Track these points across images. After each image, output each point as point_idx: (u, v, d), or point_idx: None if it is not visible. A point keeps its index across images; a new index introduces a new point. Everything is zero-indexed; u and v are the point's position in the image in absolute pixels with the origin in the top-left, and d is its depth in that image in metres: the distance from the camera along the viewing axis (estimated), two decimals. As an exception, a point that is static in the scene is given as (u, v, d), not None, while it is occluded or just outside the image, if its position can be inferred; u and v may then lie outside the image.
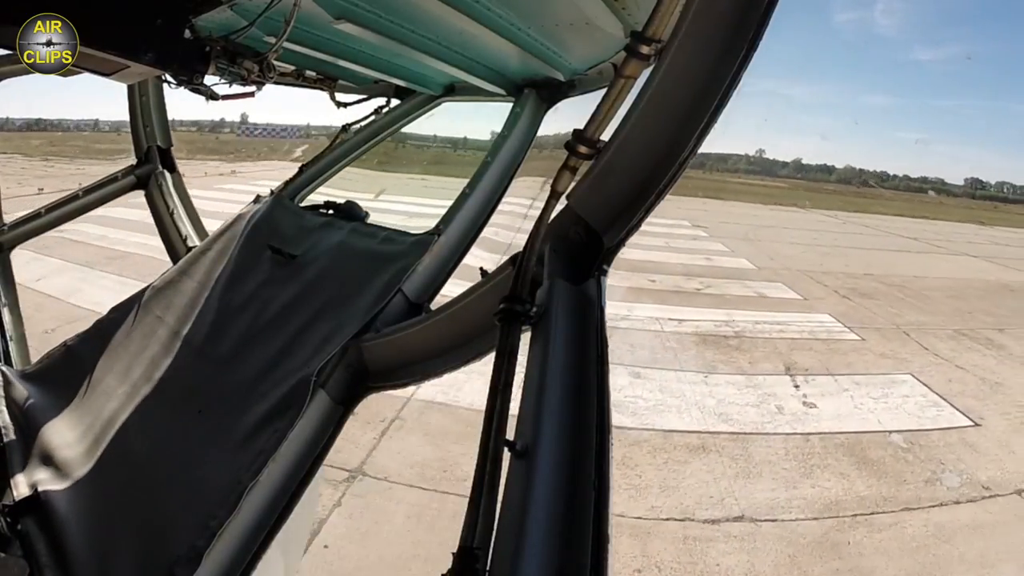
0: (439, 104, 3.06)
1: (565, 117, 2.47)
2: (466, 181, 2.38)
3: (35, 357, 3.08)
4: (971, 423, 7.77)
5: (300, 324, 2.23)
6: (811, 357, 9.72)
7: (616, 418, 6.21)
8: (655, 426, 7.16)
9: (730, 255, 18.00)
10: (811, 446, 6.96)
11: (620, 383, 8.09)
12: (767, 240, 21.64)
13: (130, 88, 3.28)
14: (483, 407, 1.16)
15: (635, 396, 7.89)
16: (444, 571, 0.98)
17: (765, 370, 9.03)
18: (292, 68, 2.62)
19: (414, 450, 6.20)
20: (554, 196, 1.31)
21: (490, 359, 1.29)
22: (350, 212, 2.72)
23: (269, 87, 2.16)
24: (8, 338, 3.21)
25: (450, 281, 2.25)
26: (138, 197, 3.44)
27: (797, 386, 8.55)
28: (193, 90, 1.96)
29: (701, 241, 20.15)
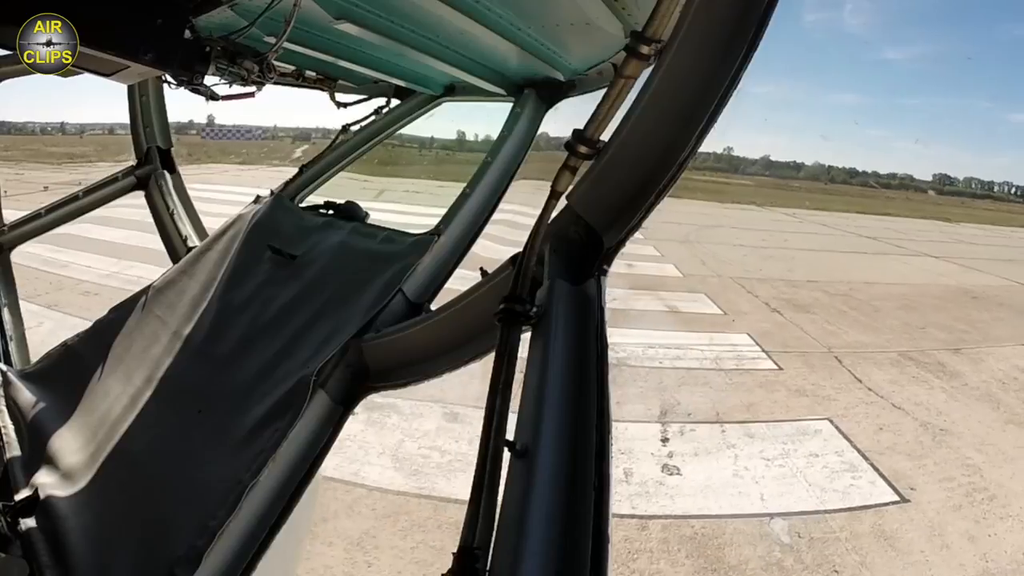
0: (439, 104, 3.06)
1: (565, 117, 2.47)
2: (458, 185, 2.38)
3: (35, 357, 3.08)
4: (896, 498, 5.51)
5: (300, 324, 2.23)
6: (703, 395, 7.51)
7: (389, 479, 5.07)
8: (436, 491, 5.07)
9: (658, 260, 15.95)
10: (643, 539, 4.77)
11: (426, 427, 6.16)
12: (709, 242, 19.71)
13: (130, 88, 3.28)
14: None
15: (432, 448, 5.77)
16: (444, 571, 0.99)
17: (632, 415, 6.81)
18: (292, 68, 2.62)
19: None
20: (554, 196, 1.31)
21: (490, 359, 1.29)
22: (350, 212, 2.72)
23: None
24: (8, 338, 3.21)
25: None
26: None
27: (666, 439, 6.37)
28: (193, 90, 1.96)
29: (631, 245, 18.21)
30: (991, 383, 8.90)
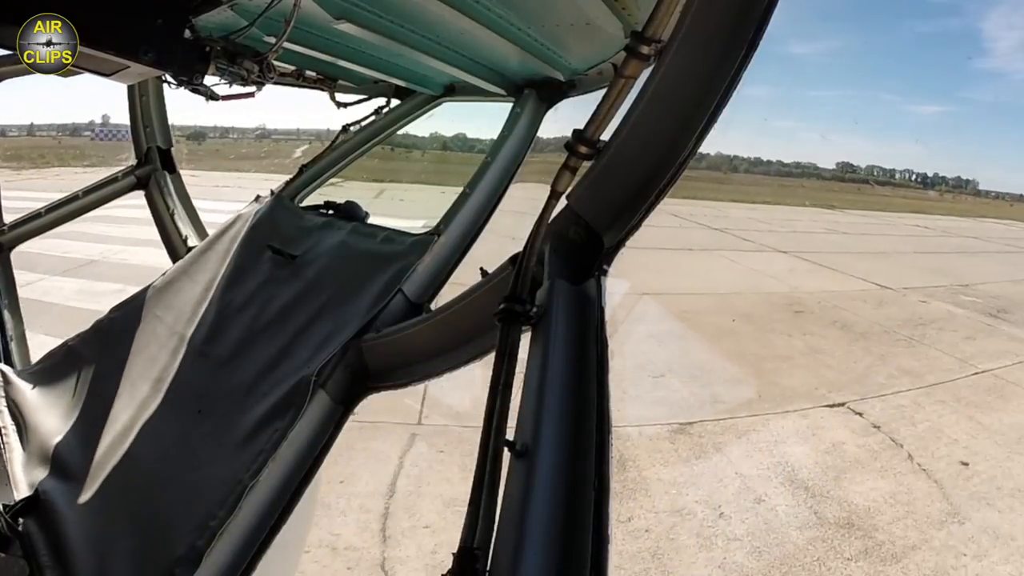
0: (439, 104, 3.06)
1: (565, 117, 2.47)
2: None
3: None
4: None
5: (300, 324, 2.23)
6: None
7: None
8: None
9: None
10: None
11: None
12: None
13: (130, 88, 3.28)
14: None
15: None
16: (444, 571, 0.99)
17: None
18: (292, 68, 2.62)
19: None
20: (554, 196, 1.31)
21: (490, 359, 1.29)
22: (350, 212, 2.72)
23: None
24: (8, 338, 3.21)
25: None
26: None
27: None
28: (193, 90, 1.97)
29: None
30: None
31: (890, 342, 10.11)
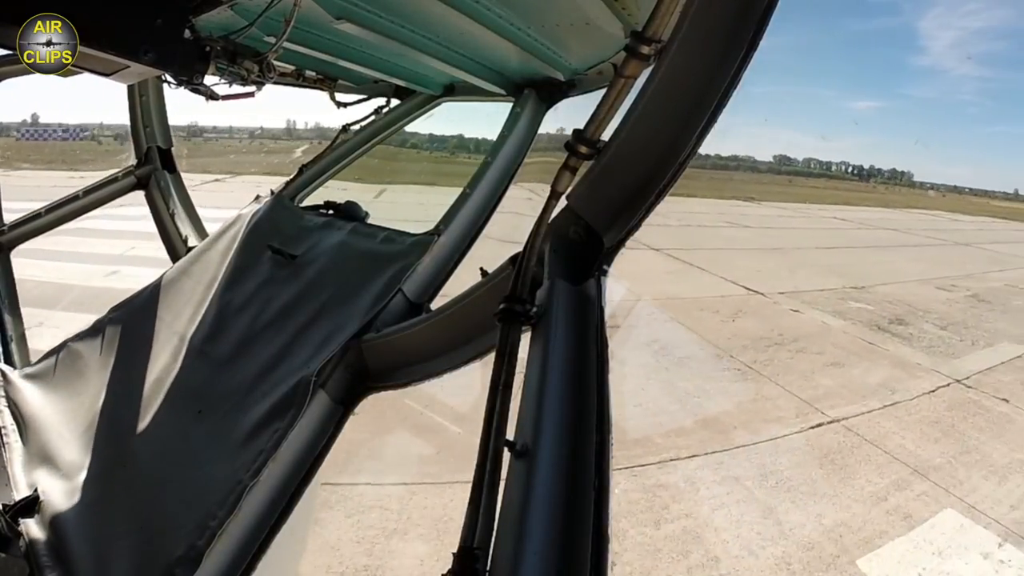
0: (439, 104, 3.06)
1: (565, 117, 2.47)
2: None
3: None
4: None
5: (300, 324, 2.23)
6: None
7: None
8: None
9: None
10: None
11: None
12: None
13: (130, 88, 3.28)
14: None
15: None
16: (444, 571, 0.99)
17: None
18: (292, 68, 2.62)
19: None
20: (554, 196, 1.30)
21: (490, 359, 1.29)
22: (350, 212, 2.72)
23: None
24: (8, 338, 3.21)
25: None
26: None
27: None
28: (193, 90, 1.96)
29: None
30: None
31: (711, 374, 7.41)
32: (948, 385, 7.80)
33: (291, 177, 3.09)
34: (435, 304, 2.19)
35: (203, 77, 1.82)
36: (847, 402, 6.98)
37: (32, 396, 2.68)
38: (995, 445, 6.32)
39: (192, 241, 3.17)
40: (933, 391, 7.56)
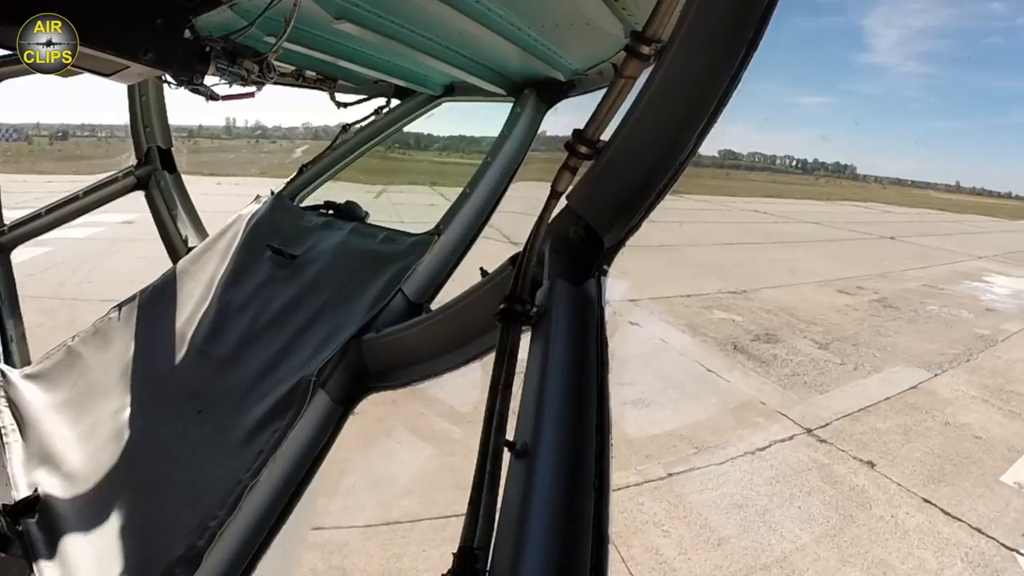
0: (439, 104, 3.06)
1: (565, 117, 2.47)
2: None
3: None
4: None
5: (300, 324, 2.23)
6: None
7: None
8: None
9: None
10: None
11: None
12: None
13: (130, 88, 3.28)
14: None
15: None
16: (444, 571, 0.98)
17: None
18: (292, 68, 2.62)
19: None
20: (554, 196, 1.30)
21: (490, 359, 1.29)
22: (350, 212, 2.72)
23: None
24: (8, 338, 3.20)
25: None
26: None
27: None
28: (193, 90, 1.96)
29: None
30: None
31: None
32: (791, 439, 5.46)
33: (291, 177, 3.09)
34: (435, 304, 2.19)
35: (203, 77, 1.82)
36: (618, 466, 4.53)
37: (32, 396, 2.68)
38: (815, 559, 3.59)
39: (192, 241, 3.17)
40: (762, 449, 5.19)
